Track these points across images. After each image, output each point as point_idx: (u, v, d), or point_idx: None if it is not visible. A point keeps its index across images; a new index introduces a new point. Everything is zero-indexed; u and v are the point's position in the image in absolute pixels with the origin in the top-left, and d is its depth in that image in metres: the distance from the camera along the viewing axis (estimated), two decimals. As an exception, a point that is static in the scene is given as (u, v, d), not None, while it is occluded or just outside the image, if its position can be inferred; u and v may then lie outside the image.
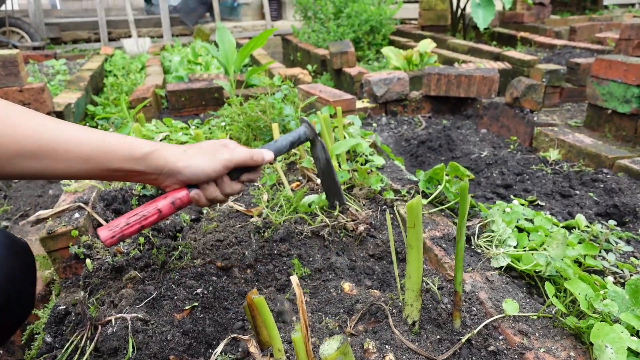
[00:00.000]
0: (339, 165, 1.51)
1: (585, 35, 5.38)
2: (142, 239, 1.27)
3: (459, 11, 5.69)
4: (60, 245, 1.24)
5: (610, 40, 4.71)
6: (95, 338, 0.97)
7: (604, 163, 1.83)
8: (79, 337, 1.01)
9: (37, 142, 0.78)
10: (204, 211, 1.49)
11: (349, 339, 0.91)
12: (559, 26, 5.84)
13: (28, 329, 1.20)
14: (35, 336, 1.17)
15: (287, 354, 0.86)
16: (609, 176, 1.71)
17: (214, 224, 1.36)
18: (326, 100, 2.12)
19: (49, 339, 1.08)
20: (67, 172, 0.83)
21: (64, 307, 1.14)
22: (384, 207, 1.44)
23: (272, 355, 0.84)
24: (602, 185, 1.66)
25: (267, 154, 1.06)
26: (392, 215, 1.40)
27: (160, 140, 1.89)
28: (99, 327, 1.00)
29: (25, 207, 2.08)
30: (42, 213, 1.32)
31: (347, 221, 1.32)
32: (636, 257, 1.27)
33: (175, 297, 1.04)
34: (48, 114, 2.54)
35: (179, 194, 0.95)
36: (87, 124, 3.06)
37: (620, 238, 1.35)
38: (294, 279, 0.69)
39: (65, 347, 1.00)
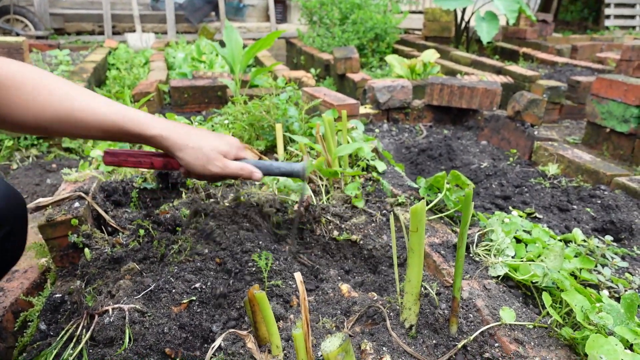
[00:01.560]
0: (340, 166, 1.52)
1: (586, 55, 5.44)
2: (141, 231, 1.27)
3: (463, 24, 5.74)
4: (58, 234, 1.24)
5: (611, 60, 4.77)
6: (92, 327, 0.97)
7: (602, 180, 1.85)
8: (74, 326, 1.01)
9: (65, 111, 0.90)
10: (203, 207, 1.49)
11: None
12: (561, 44, 5.90)
13: (22, 315, 1.19)
14: (29, 323, 1.17)
15: (285, 352, 0.86)
16: (606, 193, 1.73)
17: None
18: (330, 103, 2.13)
19: (43, 327, 1.07)
20: (85, 137, 0.96)
21: (60, 295, 1.14)
22: (384, 212, 1.44)
23: (269, 352, 0.84)
24: (599, 202, 1.67)
25: (256, 174, 1.10)
26: (388, 220, 1.41)
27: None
28: (96, 317, 0.99)
29: (23, 194, 2.07)
30: (42, 200, 1.32)
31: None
32: (631, 273, 1.28)
33: (174, 290, 1.04)
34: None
35: (173, 162, 1.08)
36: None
37: (615, 253, 1.36)
38: (298, 275, 0.69)
39: (61, 335, 1.00)
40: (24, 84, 0.87)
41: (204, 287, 1.07)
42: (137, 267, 1.13)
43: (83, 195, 1.35)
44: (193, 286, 1.06)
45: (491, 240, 1.23)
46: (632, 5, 9.79)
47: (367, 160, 1.69)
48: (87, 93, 0.95)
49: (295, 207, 1.38)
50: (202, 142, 1.02)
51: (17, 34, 5.83)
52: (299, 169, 1.13)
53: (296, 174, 1.13)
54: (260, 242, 1.19)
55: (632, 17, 9.78)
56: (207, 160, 1.02)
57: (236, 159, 1.09)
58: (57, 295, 1.14)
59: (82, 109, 0.92)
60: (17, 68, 0.88)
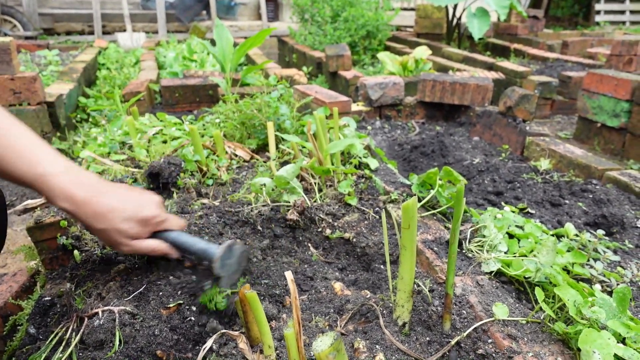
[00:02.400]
0: (332, 164, 1.51)
1: (577, 50, 5.46)
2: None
3: (455, 20, 5.75)
4: (47, 236, 1.22)
5: (602, 55, 4.79)
6: (81, 330, 0.95)
7: (593, 174, 1.86)
8: (64, 329, 0.99)
9: None
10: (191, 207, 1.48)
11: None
12: (551, 40, 5.92)
13: (11, 319, 1.18)
14: (18, 327, 1.15)
15: (277, 351, 0.85)
16: (598, 187, 1.74)
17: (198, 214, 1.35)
18: (322, 101, 2.13)
19: (32, 330, 1.06)
20: None
21: (49, 298, 1.12)
22: (377, 209, 1.44)
23: (261, 352, 0.83)
24: (591, 196, 1.68)
25: (171, 256, 1.01)
26: (381, 217, 1.40)
27: (154, 134, 1.87)
28: (85, 320, 0.98)
29: (11, 197, 2.05)
30: (30, 202, 1.30)
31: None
32: (623, 267, 1.28)
33: (161, 294, 1.03)
34: (39, 104, 2.51)
35: None
36: (79, 115, 3.03)
37: (607, 247, 1.36)
38: (289, 274, 0.69)
39: (50, 339, 0.98)
40: None
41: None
42: (127, 268, 1.12)
43: (72, 196, 1.33)
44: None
45: (484, 236, 1.23)
46: (622, 1, 9.86)
47: (360, 157, 1.68)
48: (22, 135, 0.87)
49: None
50: (107, 224, 0.92)
51: (6, 35, 5.76)
52: (214, 255, 0.94)
53: (209, 258, 0.95)
54: (253, 242, 1.18)
55: (622, 12, 9.84)
56: (114, 242, 0.95)
57: (158, 231, 1.00)
58: (46, 299, 1.12)
59: (14, 160, 0.85)
60: None
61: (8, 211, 1.56)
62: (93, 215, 0.90)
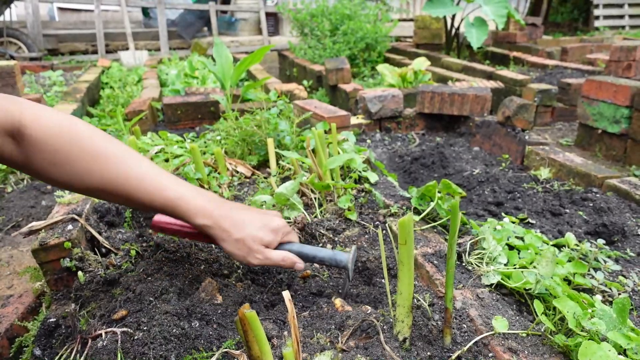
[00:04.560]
0: (332, 179, 1.52)
1: (576, 56, 5.49)
2: (133, 252, 1.27)
3: (453, 30, 5.80)
4: (52, 257, 1.24)
5: (601, 61, 4.81)
6: (85, 352, 0.97)
7: (593, 182, 1.86)
8: (68, 351, 1.00)
9: (115, 186, 0.95)
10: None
11: (340, 354, 0.91)
12: (550, 47, 5.95)
13: (17, 341, 1.19)
14: (24, 349, 1.16)
15: (278, 370, 0.86)
16: (598, 195, 1.74)
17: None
18: (321, 116, 2.15)
19: (38, 352, 1.07)
20: (131, 207, 1.07)
21: (55, 319, 1.14)
22: (377, 223, 1.45)
23: (262, 371, 0.84)
24: (591, 204, 1.68)
25: (299, 265, 1.08)
26: (384, 232, 1.41)
27: (156, 153, 1.90)
28: (89, 341, 0.99)
29: (17, 217, 2.07)
30: (35, 224, 1.32)
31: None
32: (624, 276, 1.28)
33: (167, 312, 1.04)
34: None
35: None
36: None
37: (608, 257, 1.36)
38: (286, 294, 0.70)
39: (54, 361, 0.99)
40: (81, 151, 0.91)
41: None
42: (130, 288, 1.13)
43: (76, 217, 1.36)
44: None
45: (483, 249, 1.23)
46: (621, 5, 9.90)
47: (359, 171, 1.70)
48: (141, 163, 0.97)
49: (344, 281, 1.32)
50: (245, 233, 1.01)
51: (11, 57, 5.86)
52: (344, 260, 1.10)
53: (341, 264, 1.10)
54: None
55: (621, 17, 9.88)
56: (248, 251, 1.02)
57: (282, 243, 1.09)
58: (51, 320, 1.14)
59: (137, 185, 0.95)
60: (75, 133, 0.92)
61: (13, 233, 1.58)
62: (232, 226, 1.00)
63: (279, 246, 1.08)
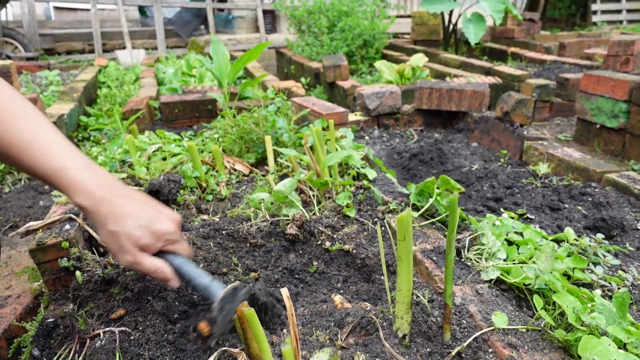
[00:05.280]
0: (330, 176, 1.52)
1: (574, 51, 5.48)
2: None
3: (451, 26, 5.79)
4: (49, 257, 1.23)
5: (599, 56, 4.80)
6: (84, 352, 0.96)
7: (592, 177, 1.86)
8: (66, 351, 1.00)
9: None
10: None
11: (339, 352, 0.91)
12: (548, 42, 5.94)
13: (15, 341, 1.18)
14: (23, 349, 1.16)
15: (277, 368, 0.86)
16: (597, 190, 1.74)
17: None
18: (319, 113, 2.14)
19: (36, 353, 1.06)
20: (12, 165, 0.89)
21: (53, 319, 1.13)
22: (376, 219, 1.44)
23: (262, 369, 0.83)
24: (590, 199, 1.68)
25: (172, 283, 0.93)
26: (383, 228, 1.41)
27: (153, 151, 1.89)
28: (87, 341, 0.99)
29: (15, 218, 2.06)
30: (32, 224, 1.31)
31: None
32: (624, 270, 1.28)
33: (166, 312, 1.04)
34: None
35: None
36: (80, 135, 3.06)
37: (608, 251, 1.36)
38: (284, 291, 0.69)
39: (53, 361, 0.99)
40: None
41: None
42: (128, 287, 1.12)
43: (74, 217, 1.35)
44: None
45: (482, 244, 1.23)
46: (618, 0, 9.89)
47: (358, 168, 1.69)
48: (37, 126, 0.88)
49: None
50: (121, 226, 0.88)
51: (7, 56, 5.84)
52: (215, 295, 0.89)
53: (211, 298, 0.89)
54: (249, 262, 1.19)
55: (619, 11, 9.87)
56: (119, 248, 0.89)
57: (163, 251, 0.93)
58: (49, 320, 1.13)
59: (23, 148, 0.86)
60: None
61: (10, 233, 1.57)
62: (109, 215, 0.88)
63: (161, 254, 0.93)
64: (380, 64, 3.96)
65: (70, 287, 1.23)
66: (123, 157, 1.85)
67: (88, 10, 8.10)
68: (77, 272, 1.19)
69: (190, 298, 1.09)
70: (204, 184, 1.63)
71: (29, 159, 0.86)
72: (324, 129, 1.89)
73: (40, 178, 0.88)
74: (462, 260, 1.23)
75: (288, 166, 1.76)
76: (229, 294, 0.88)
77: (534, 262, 1.12)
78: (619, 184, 1.76)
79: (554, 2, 10.82)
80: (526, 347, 0.90)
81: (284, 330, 1.01)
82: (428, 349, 0.93)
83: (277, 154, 1.86)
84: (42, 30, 7.23)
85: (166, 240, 0.92)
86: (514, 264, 1.15)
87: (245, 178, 1.78)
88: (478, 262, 1.18)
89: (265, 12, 8.50)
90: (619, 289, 1.18)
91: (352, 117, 2.83)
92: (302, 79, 4.68)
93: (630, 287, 1.22)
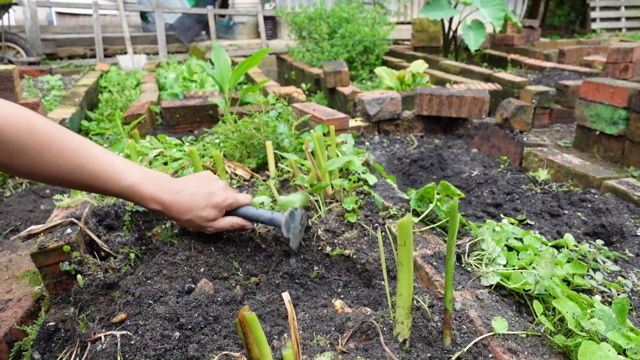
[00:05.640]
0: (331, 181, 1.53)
1: (573, 58, 5.51)
2: (132, 255, 1.26)
3: (451, 33, 5.82)
4: (51, 261, 1.24)
5: (598, 63, 4.83)
6: (84, 355, 0.96)
7: (591, 183, 1.86)
8: (67, 354, 1.00)
9: (71, 177, 1.04)
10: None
11: (339, 356, 0.91)
12: (548, 49, 5.98)
13: (16, 345, 1.19)
14: (23, 353, 1.16)
15: (278, 372, 0.86)
16: (596, 196, 1.74)
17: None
18: (320, 118, 2.15)
19: (37, 356, 1.07)
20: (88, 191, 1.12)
21: (54, 323, 1.13)
22: (376, 225, 1.45)
23: (262, 373, 0.83)
24: (590, 205, 1.69)
25: (247, 225, 1.25)
26: (383, 234, 1.42)
27: (154, 156, 1.90)
28: (88, 345, 0.99)
29: (16, 221, 2.07)
30: (34, 228, 1.32)
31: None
32: (623, 276, 1.29)
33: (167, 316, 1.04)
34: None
35: None
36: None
37: (607, 257, 1.37)
38: (286, 295, 0.70)
39: (54, 364, 0.99)
40: (35, 141, 0.96)
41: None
42: (129, 291, 1.13)
43: (75, 221, 1.35)
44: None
45: (482, 250, 1.23)
46: (617, 8, 9.95)
47: (358, 174, 1.70)
48: (94, 154, 1.05)
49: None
50: (191, 215, 1.15)
51: (9, 61, 5.86)
52: (280, 221, 1.22)
53: (277, 224, 1.23)
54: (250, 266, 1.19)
55: (618, 19, 9.93)
56: (199, 227, 1.19)
57: (231, 210, 1.23)
58: (50, 324, 1.14)
59: (92, 175, 1.04)
60: (28, 124, 0.95)
61: (12, 237, 1.58)
62: (179, 212, 1.14)
63: (229, 212, 1.23)
64: (380, 70, 3.98)
65: (71, 290, 1.23)
66: (124, 161, 1.86)
67: (90, 15, 8.14)
68: (78, 276, 1.20)
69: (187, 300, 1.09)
70: (205, 189, 1.64)
71: (102, 184, 1.06)
72: (324, 135, 1.90)
73: (114, 196, 1.10)
74: (462, 265, 1.23)
75: (289, 171, 1.77)
76: (289, 217, 1.22)
77: (533, 268, 1.12)
78: (619, 190, 1.77)
79: (553, 10, 10.89)
80: (526, 353, 0.90)
81: (285, 335, 1.01)
82: (428, 354, 0.93)
83: (277, 159, 1.87)
84: (44, 35, 7.27)
85: (225, 205, 1.19)
86: (514, 269, 1.16)
87: (246, 183, 1.79)
88: (478, 267, 1.18)
89: (266, 18, 8.55)
90: (618, 294, 1.19)
91: (352, 122, 2.84)
92: (303, 85, 4.70)
93: (630, 293, 1.22)
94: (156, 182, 1.13)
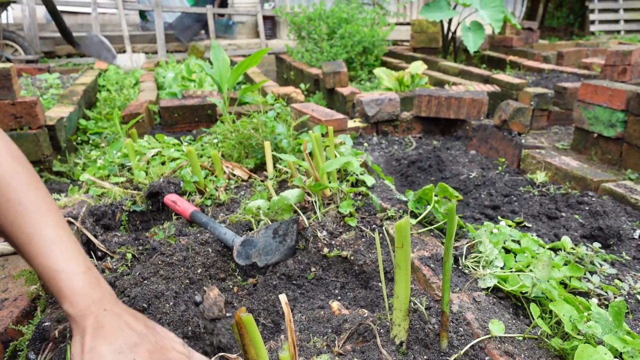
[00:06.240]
0: (329, 183, 1.52)
1: (572, 60, 5.51)
2: (129, 255, 1.26)
3: (450, 34, 5.82)
4: (47, 261, 1.23)
5: (596, 65, 4.84)
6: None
7: (589, 186, 1.87)
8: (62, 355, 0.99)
9: (8, 235, 0.82)
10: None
11: (336, 358, 0.91)
12: (547, 51, 5.98)
13: (11, 345, 1.18)
14: (19, 353, 1.16)
15: (274, 374, 0.86)
16: (594, 199, 1.74)
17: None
18: (318, 119, 2.15)
19: (32, 356, 1.06)
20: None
21: (49, 323, 1.13)
22: (374, 226, 1.45)
23: (259, 375, 0.83)
24: (587, 208, 1.69)
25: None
26: (381, 235, 1.41)
27: (152, 156, 1.89)
28: (85, 345, 0.98)
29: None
30: (31, 228, 1.31)
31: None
32: (620, 280, 1.29)
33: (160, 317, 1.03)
34: (40, 127, 2.54)
35: None
36: (79, 138, 3.06)
37: (604, 260, 1.37)
38: (283, 297, 0.70)
39: (49, 365, 0.99)
40: None
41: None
42: (125, 292, 1.12)
43: (72, 220, 1.35)
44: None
45: (480, 252, 1.23)
46: (616, 10, 9.97)
47: (357, 175, 1.70)
48: (44, 223, 0.82)
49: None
50: (97, 351, 0.75)
51: (8, 59, 5.84)
52: (231, 245, 1.27)
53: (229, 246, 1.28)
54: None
55: (617, 21, 9.95)
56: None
57: None
58: (46, 324, 1.13)
59: (26, 242, 0.80)
60: None
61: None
62: (90, 330, 0.77)
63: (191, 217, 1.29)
64: (379, 71, 3.99)
65: (67, 290, 1.23)
66: (122, 161, 1.86)
67: (89, 14, 8.13)
68: (75, 276, 1.19)
69: (187, 302, 1.09)
70: (203, 189, 1.64)
71: (30, 256, 0.81)
72: (323, 135, 1.90)
73: (37, 274, 0.83)
74: (460, 267, 1.23)
75: (287, 172, 1.77)
76: (241, 247, 1.26)
77: (531, 271, 1.12)
78: (616, 193, 1.77)
79: (552, 12, 10.91)
80: (523, 356, 0.90)
81: (282, 336, 1.01)
82: (425, 357, 0.93)
83: (276, 160, 1.87)
84: (43, 34, 7.24)
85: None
86: (511, 272, 1.16)
87: (244, 183, 1.79)
88: (475, 270, 1.18)
89: (265, 17, 8.54)
90: (615, 298, 1.19)
91: (351, 123, 2.84)
92: (302, 85, 4.70)
93: (627, 296, 1.22)
94: (91, 282, 0.81)
